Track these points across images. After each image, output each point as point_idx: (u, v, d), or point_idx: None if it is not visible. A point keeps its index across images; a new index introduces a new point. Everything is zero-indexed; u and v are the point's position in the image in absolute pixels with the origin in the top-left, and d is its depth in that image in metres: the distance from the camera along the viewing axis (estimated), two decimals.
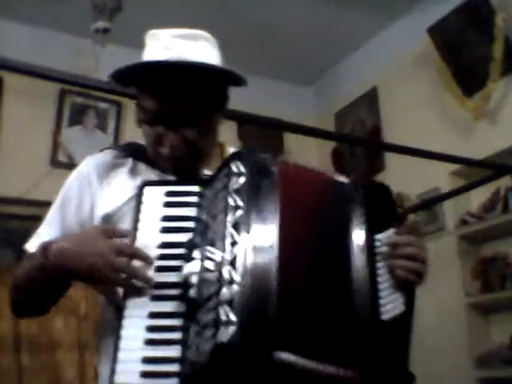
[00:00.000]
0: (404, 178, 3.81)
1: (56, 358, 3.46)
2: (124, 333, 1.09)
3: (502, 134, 3.46)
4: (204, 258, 1.08)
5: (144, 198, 1.22)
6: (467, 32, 3.63)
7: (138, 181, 1.28)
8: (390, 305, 1.14)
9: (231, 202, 1.11)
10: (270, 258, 1.06)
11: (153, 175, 1.32)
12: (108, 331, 1.23)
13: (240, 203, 1.10)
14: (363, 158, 4.35)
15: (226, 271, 1.04)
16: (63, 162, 3.89)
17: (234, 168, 1.14)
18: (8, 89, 3.75)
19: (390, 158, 4.07)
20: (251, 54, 4.24)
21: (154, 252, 1.15)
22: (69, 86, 3.62)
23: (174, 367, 1.05)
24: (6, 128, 3.75)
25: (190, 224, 1.16)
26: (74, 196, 1.34)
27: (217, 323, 1.00)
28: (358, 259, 1.15)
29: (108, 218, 1.29)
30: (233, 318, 1.00)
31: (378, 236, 1.19)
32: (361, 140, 4.24)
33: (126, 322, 1.10)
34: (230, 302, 1.01)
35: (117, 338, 1.09)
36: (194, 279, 1.07)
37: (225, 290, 1.02)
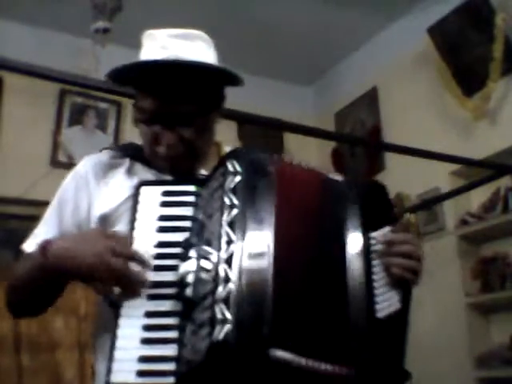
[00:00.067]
0: (404, 177, 3.81)
1: (56, 357, 3.46)
2: (120, 332, 1.09)
3: (502, 134, 3.46)
4: (200, 257, 1.09)
5: (141, 198, 1.22)
6: (467, 32, 3.63)
7: (135, 181, 1.28)
8: (386, 303, 1.14)
9: (227, 201, 1.11)
10: (266, 256, 1.06)
11: (149, 175, 1.33)
12: (104, 330, 1.22)
13: (236, 202, 1.10)
14: (363, 157, 4.35)
15: (221, 270, 1.05)
16: (63, 162, 3.89)
17: (229, 167, 1.15)
18: (8, 89, 3.75)
19: (390, 158, 4.07)
20: (251, 54, 4.25)
21: (150, 251, 1.15)
22: (69, 86, 3.62)
23: (170, 366, 1.05)
24: (5, 128, 3.74)
25: (187, 223, 1.17)
26: (70, 197, 1.34)
27: (212, 322, 1.01)
28: (354, 257, 1.15)
29: (105, 218, 1.29)
30: (228, 316, 1.00)
31: (374, 234, 1.19)
32: (361, 140, 4.24)
33: (122, 321, 1.10)
34: (225, 301, 1.01)
35: (113, 336, 1.09)
36: (190, 278, 1.08)
37: (221, 289, 1.03)
